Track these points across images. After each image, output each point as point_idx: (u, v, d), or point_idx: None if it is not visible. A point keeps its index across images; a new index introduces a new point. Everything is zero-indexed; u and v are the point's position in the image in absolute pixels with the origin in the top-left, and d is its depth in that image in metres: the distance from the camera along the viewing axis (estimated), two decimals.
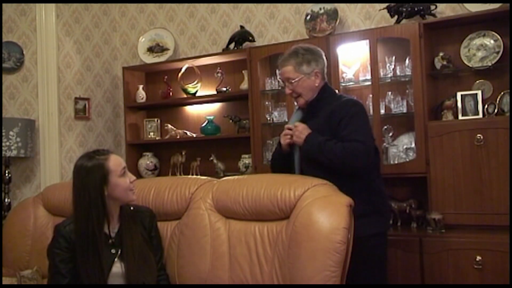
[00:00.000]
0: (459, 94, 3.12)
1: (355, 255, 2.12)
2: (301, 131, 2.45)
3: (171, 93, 4.26)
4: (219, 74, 4.02)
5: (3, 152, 3.65)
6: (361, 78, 3.47)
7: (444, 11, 3.37)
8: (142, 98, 4.32)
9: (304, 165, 2.48)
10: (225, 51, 4.01)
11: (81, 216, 2.07)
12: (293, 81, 2.49)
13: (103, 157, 2.12)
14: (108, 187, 2.09)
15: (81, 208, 2.08)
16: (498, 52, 3.10)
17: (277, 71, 3.72)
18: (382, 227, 2.50)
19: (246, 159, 3.85)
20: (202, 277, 2.25)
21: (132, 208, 2.25)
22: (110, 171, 2.10)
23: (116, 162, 2.14)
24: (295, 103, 2.67)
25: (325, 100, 2.51)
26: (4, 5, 3.94)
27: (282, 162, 2.60)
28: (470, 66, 3.18)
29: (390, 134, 3.37)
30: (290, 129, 2.52)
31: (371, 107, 3.31)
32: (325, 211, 2.04)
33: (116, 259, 2.13)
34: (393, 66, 3.35)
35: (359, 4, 3.67)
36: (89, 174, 2.08)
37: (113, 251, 2.14)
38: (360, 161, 2.35)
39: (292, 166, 2.54)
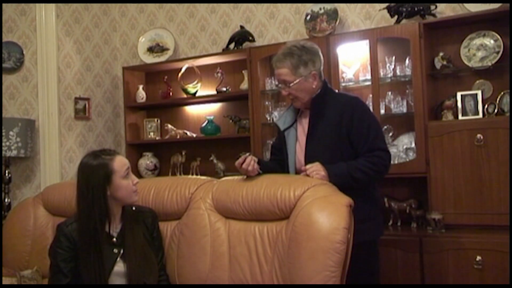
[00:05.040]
0: (459, 94, 3.12)
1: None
2: (318, 169, 2.27)
3: (171, 93, 4.26)
4: (219, 74, 4.02)
5: (3, 152, 3.65)
6: (361, 78, 3.48)
7: (444, 11, 3.37)
8: (142, 98, 4.32)
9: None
10: (225, 51, 4.01)
11: (84, 214, 2.08)
12: (290, 85, 2.34)
13: (108, 157, 2.12)
14: (110, 187, 2.10)
15: (84, 206, 2.08)
16: (498, 52, 3.10)
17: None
18: (373, 235, 2.39)
19: None
20: (202, 277, 2.24)
21: (134, 208, 2.25)
22: (114, 171, 2.10)
23: (120, 163, 2.14)
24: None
25: (329, 97, 2.39)
26: (4, 5, 3.94)
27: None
28: (470, 66, 3.18)
29: (390, 134, 3.38)
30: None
31: (371, 107, 3.30)
32: (325, 211, 2.03)
33: (118, 259, 2.13)
34: (393, 66, 3.36)
35: (359, 4, 3.67)
36: (93, 173, 2.08)
37: (115, 250, 2.14)
38: (387, 170, 2.34)
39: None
